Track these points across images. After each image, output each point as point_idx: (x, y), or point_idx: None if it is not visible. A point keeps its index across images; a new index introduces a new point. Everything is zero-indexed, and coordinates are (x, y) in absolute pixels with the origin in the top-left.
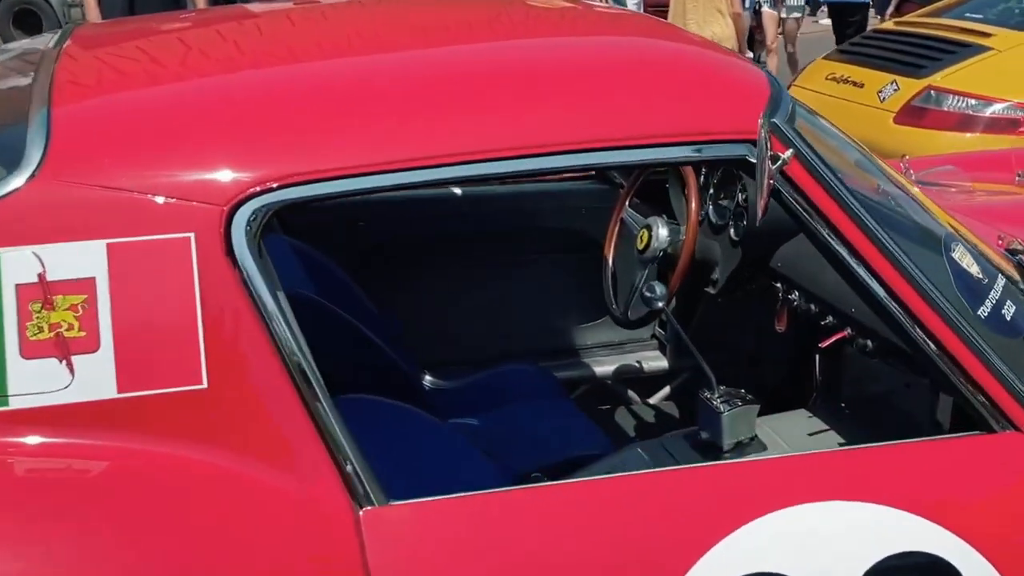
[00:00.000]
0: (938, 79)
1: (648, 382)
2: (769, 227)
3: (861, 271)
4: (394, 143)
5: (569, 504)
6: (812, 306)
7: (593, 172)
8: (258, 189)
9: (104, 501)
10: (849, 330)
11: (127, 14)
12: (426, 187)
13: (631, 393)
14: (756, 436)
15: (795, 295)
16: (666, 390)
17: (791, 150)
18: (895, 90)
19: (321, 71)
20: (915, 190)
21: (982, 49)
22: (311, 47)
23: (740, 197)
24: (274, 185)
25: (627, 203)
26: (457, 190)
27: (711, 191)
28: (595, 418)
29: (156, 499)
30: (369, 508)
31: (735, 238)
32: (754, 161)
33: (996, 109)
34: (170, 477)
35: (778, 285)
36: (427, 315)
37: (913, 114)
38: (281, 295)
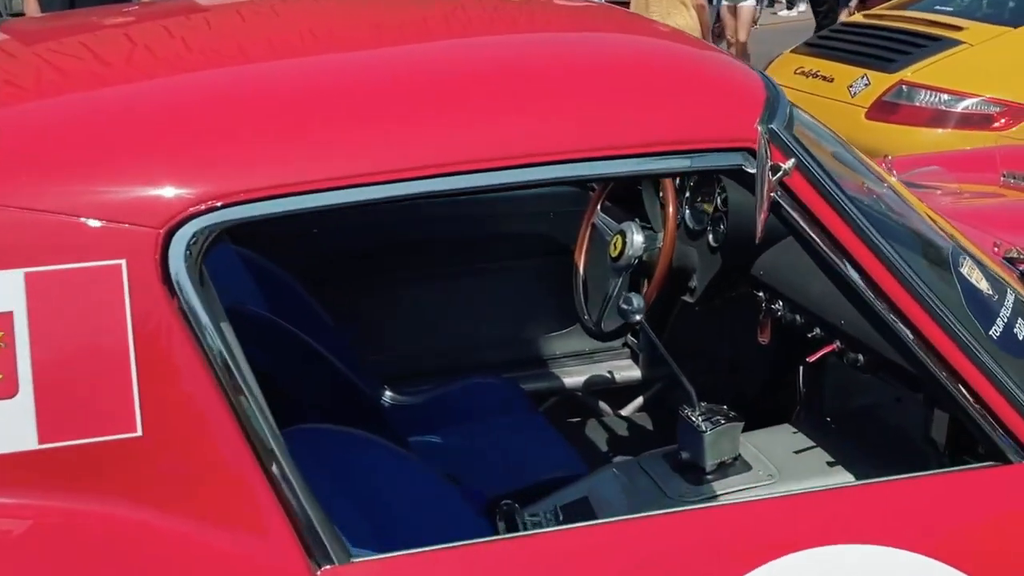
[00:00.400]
0: (909, 73)
1: (620, 393)
2: (750, 233)
3: (867, 290)
4: (355, 155)
5: (555, 556)
6: (798, 317)
7: None
8: (200, 208)
9: (23, 566)
10: (838, 343)
11: (68, 7)
12: (391, 203)
13: (603, 405)
14: (740, 455)
15: (779, 305)
16: (639, 401)
17: (792, 160)
18: (866, 84)
19: (274, 74)
20: (915, 199)
21: (954, 43)
22: (263, 46)
23: (719, 200)
24: (218, 204)
25: (599, 207)
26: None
27: (688, 194)
28: (566, 432)
29: (83, 564)
30: (328, 567)
31: (714, 244)
32: (751, 171)
33: (969, 104)
34: (99, 539)
35: (760, 294)
36: (387, 327)
37: (885, 109)
38: (226, 327)
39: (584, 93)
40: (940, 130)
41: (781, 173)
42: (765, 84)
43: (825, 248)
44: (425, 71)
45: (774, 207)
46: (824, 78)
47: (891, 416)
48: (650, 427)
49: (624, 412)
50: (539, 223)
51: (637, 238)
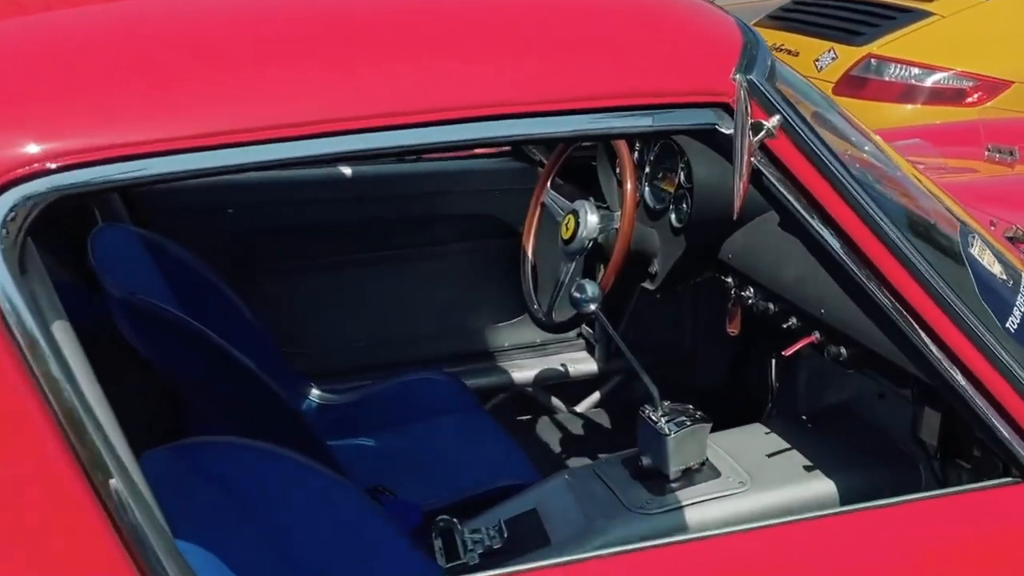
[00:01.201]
0: (878, 47)
1: (575, 388)
2: (717, 212)
3: (862, 275)
4: (230, 108)
5: None
6: (771, 305)
7: (508, 147)
8: (21, 172)
9: None
10: (817, 335)
11: None
12: (293, 166)
13: (556, 401)
14: (707, 459)
15: (749, 292)
16: (596, 396)
17: (777, 116)
18: (833, 59)
19: (129, 14)
20: (916, 171)
21: (924, 14)
22: None
23: (682, 176)
24: (51, 166)
25: (549, 184)
26: (346, 170)
27: (647, 169)
28: (515, 432)
29: None
30: None
31: (677, 225)
32: (727, 132)
33: (940, 78)
34: None
35: (728, 280)
36: (313, 318)
37: (853, 84)
38: (63, 327)
39: (518, 35)
40: (910, 106)
41: (764, 133)
42: (742, 29)
43: (813, 223)
44: (334, 7)
45: (754, 176)
46: (789, 52)
47: (873, 414)
48: (608, 425)
49: (579, 409)
50: (483, 202)
51: (591, 218)
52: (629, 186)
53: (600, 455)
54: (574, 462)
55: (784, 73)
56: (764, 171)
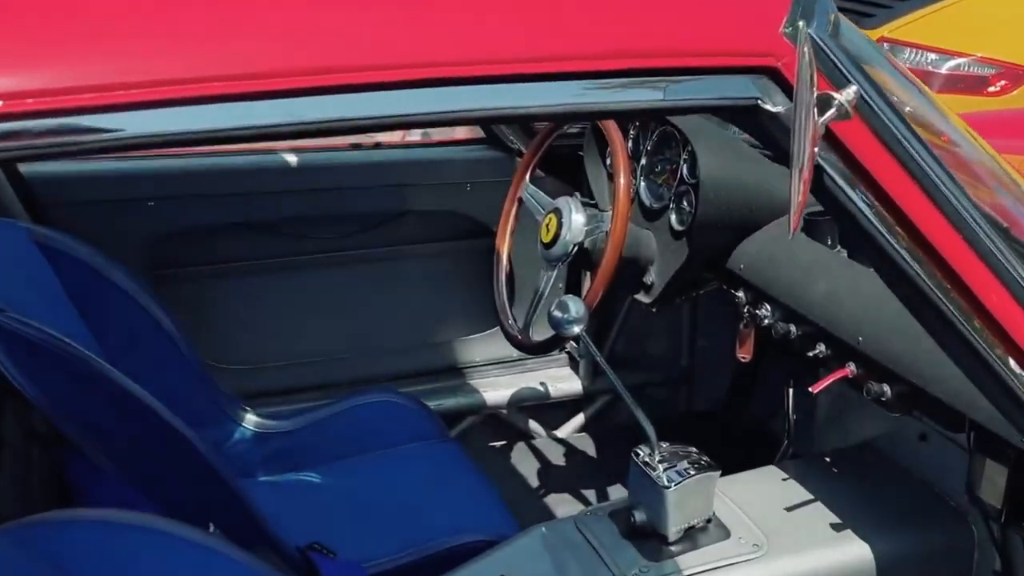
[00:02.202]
0: (889, 30)
1: (556, 409)
2: (726, 212)
3: (953, 308)
4: (106, 59)
5: None
6: (793, 328)
7: (481, 130)
8: None
9: None
10: (853, 367)
11: None
12: (213, 141)
13: (533, 424)
14: (714, 515)
15: (765, 310)
16: (579, 419)
17: (853, 88)
18: None
19: None
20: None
21: None
22: None
23: (684, 168)
24: None
25: (528, 177)
26: (291, 156)
27: (643, 160)
28: (485, 462)
29: None
30: None
31: (678, 227)
32: (774, 109)
33: (959, 64)
34: None
35: (739, 295)
36: (250, 329)
37: None
38: None
39: None
40: None
41: (833, 112)
42: None
43: (892, 241)
44: None
45: (815, 173)
46: None
47: (912, 458)
48: (594, 453)
49: (560, 434)
50: (452, 196)
51: (577, 218)
52: (622, 180)
53: (584, 491)
54: (554, 499)
55: (848, 32)
56: (826, 166)
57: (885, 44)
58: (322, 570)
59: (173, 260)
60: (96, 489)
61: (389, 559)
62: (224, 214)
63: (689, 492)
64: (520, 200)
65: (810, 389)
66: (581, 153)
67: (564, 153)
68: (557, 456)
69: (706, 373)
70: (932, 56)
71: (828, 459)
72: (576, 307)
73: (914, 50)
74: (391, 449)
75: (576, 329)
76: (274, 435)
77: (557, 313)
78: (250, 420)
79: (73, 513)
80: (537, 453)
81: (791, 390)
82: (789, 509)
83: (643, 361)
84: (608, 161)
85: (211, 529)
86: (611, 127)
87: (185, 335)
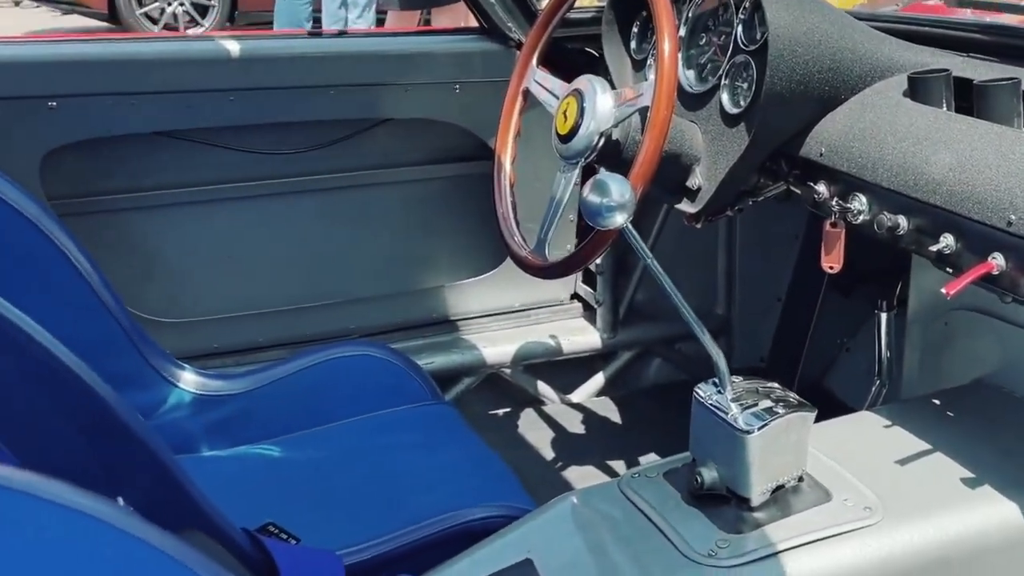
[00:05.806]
0: None
1: (570, 368)
2: (801, 84)
3: None
4: None
5: None
6: (902, 219)
7: (475, 17)
8: None
9: None
10: (1000, 259)
11: None
12: None
13: (543, 387)
14: (805, 474)
15: (860, 203)
16: (598, 380)
17: None
18: None
19: None
20: None
21: None
22: None
23: (740, 32)
24: None
25: (535, 61)
26: (231, 44)
27: (682, 32)
28: (486, 432)
29: None
30: None
31: (732, 110)
32: None
33: None
34: None
35: (819, 189)
36: (191, 270)
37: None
38: None
39: None
40: None
41: None
42: None
43: None
44: None
45: None
46: None
47: None
48: (618, 419)
49: (575, 398)
50: (439, 101)
51: (604, 99)
52: (667, 45)
53: (607, 463)
54: (570, 475)
55: None
56: None
57: None
58: (276, 557)
59: (89, 184)
60: None
61: (370, 545)
62: (151, 121)
63: (776, 439)
64: (526, 93)
65: (943, 291)
66: (589, 49)
67: (569, 49)
68: (572, 424)
69: (747, 321)
70: None
71: (937, 401)
72: (620, 188)
73: None
74: (371, 414)
75: (619, 219)
76: (221, 398)
77: (593, 197)
78: (189, 380)
79: None
80: (548, 420)
81: (883, 315)
82: (901, 463)
83: (671, 310)
84: (635, 28)
85: (119, 502)
86: None
87: (107, 279)
